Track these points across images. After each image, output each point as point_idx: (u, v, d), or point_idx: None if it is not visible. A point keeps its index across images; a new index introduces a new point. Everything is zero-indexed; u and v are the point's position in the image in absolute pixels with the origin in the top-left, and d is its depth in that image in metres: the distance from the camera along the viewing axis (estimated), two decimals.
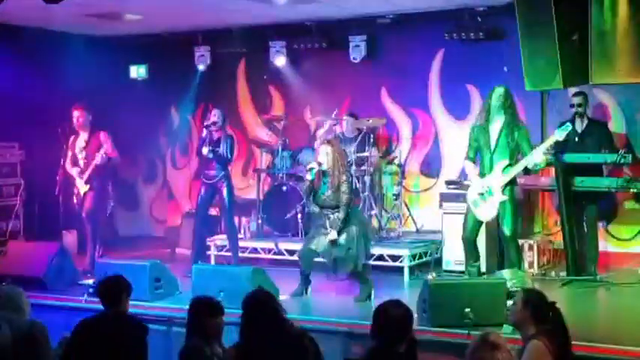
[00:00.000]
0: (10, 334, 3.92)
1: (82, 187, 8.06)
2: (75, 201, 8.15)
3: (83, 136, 8.13)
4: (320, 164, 6.65)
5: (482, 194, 6.70)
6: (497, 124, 6.73)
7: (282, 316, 3.90)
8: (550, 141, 6.77)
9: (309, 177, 6.66)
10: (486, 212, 6.71)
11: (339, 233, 6.59)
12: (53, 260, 7.38)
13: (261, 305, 3.90)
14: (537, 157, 6.57)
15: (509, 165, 6.64)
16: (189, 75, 10.08)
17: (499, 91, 6.77)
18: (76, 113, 8.07)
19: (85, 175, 8.02)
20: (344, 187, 6.59)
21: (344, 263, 6.66)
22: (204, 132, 7.90)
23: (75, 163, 8.13)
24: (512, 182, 6.72)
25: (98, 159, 7.94)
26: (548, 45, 7.01)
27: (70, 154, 8.16)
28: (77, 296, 6.82)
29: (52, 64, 9.34)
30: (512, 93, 6.84)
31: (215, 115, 7.93)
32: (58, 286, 7.24)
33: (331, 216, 6.63)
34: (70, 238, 9.11)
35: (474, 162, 6.91)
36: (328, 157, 6.62)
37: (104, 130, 8.15)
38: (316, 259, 6.88)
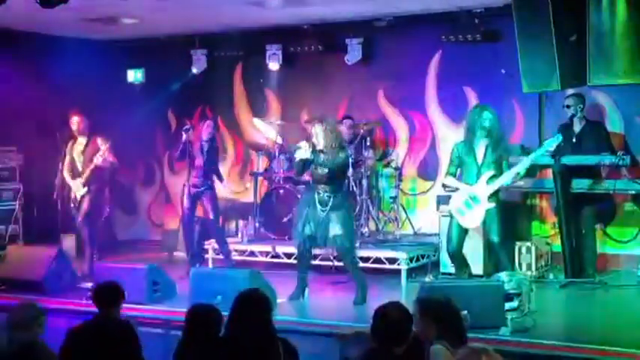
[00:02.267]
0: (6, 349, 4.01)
1: (79, 190, 8.05)
2: (72, 205, 8.15)
3: (81, 141, 8.16)
4: (314, 145, 6.65)
5: (467, 202, 6.67)
6: (482, 143, 6.70)
7: (270, 320, 3.90)
8: (539, 152, 6.76)
9: (297, 156, 6.70)
10: (472, 220, 6.69)
11: (331, 211, 6.59)
12: (52, 264, 7.39)
13: (254, 306, 3.90)
14: (521, 167, 6.59)
15: (495, 176, 6.63)
16: (185, 79, 10.10)
17: (487, 115, 6.68)
18: (75, 119, 8.11)
19: (84, 178, 8.03)
20: (343, 155, 6.63)
21: (341, 240, 6.64)
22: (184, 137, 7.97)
23: (73, 168, 8.14)
24: (497, 190, 6.72)
25: (99, 160, 7.97)
26: (546, 46, 7.01)
27: (67, 159, 8.17)
28: (76, 300, 6.81)
29: (49, 69, 9.35)
30: (497, 115, 6.79)
31: (209, 128, 8.04)
32: (57, 289, 7.25)
33: (322, 192, 6.63)
34: (68, 241, 9.10)
35: (455, 177, 6.87)
36: (319, 137, 6.62)
37: (101, 135, 8.17)
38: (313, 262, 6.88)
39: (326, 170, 6.61)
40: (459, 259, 6.84)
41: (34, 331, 4.26)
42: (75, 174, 8.15)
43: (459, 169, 6.81)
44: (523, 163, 6.64)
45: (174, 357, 4.03)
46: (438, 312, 3.80)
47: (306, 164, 6.72)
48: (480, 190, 6.62)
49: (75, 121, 8.10)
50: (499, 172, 6.64)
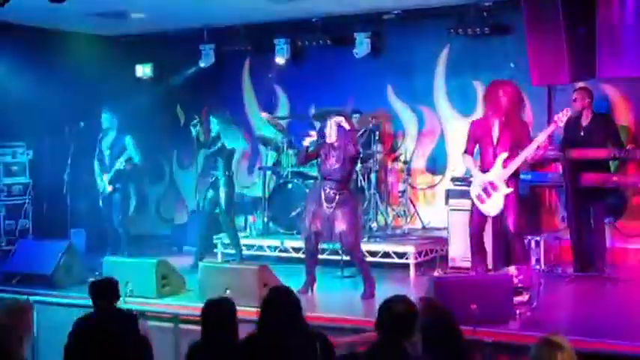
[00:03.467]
0: None
1: (105, 187, 8.23)
2: (101, 201, 8.33)
3: (111, 135, 8.31)
4: (324, 137, 6.64)
5: (485, 189, 6.62)
6: (497, 121, 6.62)
7: (300, 315, 3.94)
8: (550, 129, 6.63)
9: (305, 144, 6.71)
10: (491, 207, 6.63)
11: (337, 208, 6.57)
12: (61, 258, 7.43)
13: (282, 302, 3.95)
14: (537, 144, 6.48)
15: (509, 158, 6.55)
16: (194, 73, 10.11)
17: (500, 94, 6.56)
18: (104, 115, 8.29)
19: (108, 177, 8.21)
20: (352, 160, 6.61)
21: (346, 236, 6.63)
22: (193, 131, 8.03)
23: (101, 160, 8.32)
24: (515, 175, 6.64)
25: (121, 165, 8.14)
26: (555, 39, 6.98)
27: (97, 151, 8.35)
28: (85, 294, 6.81)
29: (58, 64, 9.37)
30: (515, 91, 6.70)
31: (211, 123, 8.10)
32: (66, 284, 7.29)
33: (328, 189, 6.62)
34: (78, 236, 9.14)
35: (472, 155, 6.81)
36: (332, 130, 6.59)
37: (130, 134, 8.31)
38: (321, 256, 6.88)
39: (337, 168, 6.59)
40: (477, 244, 6.76)
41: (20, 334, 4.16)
42: (103, 167, 8.31)
43: (476, 147, 6.72)
44: (535, 141, 6.50)
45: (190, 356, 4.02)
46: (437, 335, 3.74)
47: (309, 155, 6.71)
48: (497, 175, 6.56)
49: (105, 118, 8.29)
50: (515, 154, 6.52)
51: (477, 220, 6.73)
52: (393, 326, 3.59)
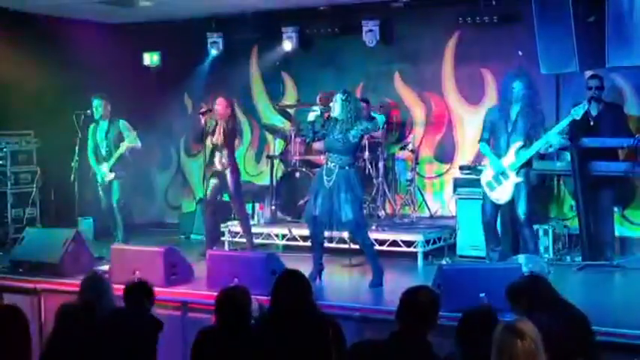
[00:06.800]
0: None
1: (106, 175, 8.14)
2: (100, 189, 8.26)
3: (103, 125, 8.21)
4: (330, 113, 6.66)
5: (496, 177, 6.61)
6: (513, 111, 6.60)
7: (311, 299, 3.99)
8: (566, 121, 6.63)
9: (310, 118, 6.71)
10: (501, 195, 6.62)
11: (339, 189, 6.54)
12: (69, 246, 7.42)
13: (292, 285, 4.00)
14: (552, 138, 6.47)
15: (524, 147, 6.54)
16: (202, 62, 10.09)
17: (517, 84, 6.54)
18: (96, 102, 8.12)
19: (110, 163, 8.13)
20: (354, 132, 6.54)
21: (351, 225, 6.62)
22: (202, 120, 7.94)
23: (97, 152, 8.22)
24: (527, 165, 6.62)
25: (123, 149, 8.06)
26: (564, 28, 6.93)
27: (91, 143, 8.24)
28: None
29: (65, 52, 9.37)
30: (529, 84, 6.66)
31: (220, 105, 7.97)
32: (74, 272, 7.27)
33: (329, 163, 6.61)
34: (85, 224, 9.16)
35: (489, 143, 6.80)
36: (337, 105, 6.57)
37: (122, 118, 8.23)
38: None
39: (339, 138, 6.56)
40: (491, 231, 6.77)
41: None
42: (99, 158, 8.24)
43: (491, 136, 6.71)
44: (551, 133, 6.52)
45: (199, 343, 4.03)
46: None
47: (317, 131, 6.69)
48: (508, 163, 6.55)
49: (97, 105, 8.13)
50: (529, 143, 6.51)
51: (490, 207, 6.71)
52: (415, 316, 3.58)
